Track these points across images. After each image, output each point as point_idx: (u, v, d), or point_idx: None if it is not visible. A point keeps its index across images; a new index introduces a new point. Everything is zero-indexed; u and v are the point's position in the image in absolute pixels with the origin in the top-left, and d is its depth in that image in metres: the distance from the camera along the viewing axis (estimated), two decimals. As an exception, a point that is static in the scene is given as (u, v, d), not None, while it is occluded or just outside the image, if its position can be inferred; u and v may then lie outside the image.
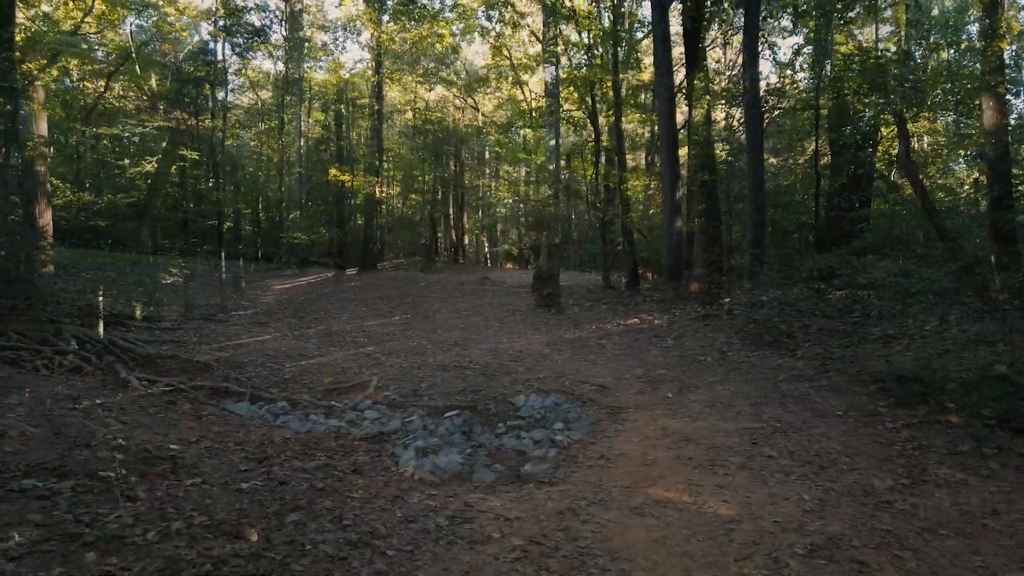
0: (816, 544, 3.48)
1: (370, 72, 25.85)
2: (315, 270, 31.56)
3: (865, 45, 16.39)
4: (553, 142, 22.71)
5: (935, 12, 20.65)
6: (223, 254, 22.32)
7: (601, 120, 19.57)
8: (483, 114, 27.42)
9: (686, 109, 14.90)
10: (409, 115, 31.50)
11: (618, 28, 21.19)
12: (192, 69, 24.06)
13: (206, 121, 22.23)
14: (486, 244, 29.85)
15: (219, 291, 21.22)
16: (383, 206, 37.61)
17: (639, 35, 21.29)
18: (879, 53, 11.76)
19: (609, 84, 18.47)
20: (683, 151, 16.87)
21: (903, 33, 16.73)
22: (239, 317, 15.32)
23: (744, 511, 3.82)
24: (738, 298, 9.75)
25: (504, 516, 3.74)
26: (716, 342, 7.88)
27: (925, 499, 3.88)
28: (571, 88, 19.26)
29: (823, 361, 6.63)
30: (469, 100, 26.12)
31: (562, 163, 26.53)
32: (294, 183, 41.75)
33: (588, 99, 19.40)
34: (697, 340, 8.07)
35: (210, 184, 25.61)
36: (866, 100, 12.46)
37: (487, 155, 28.79)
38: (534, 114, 22.84)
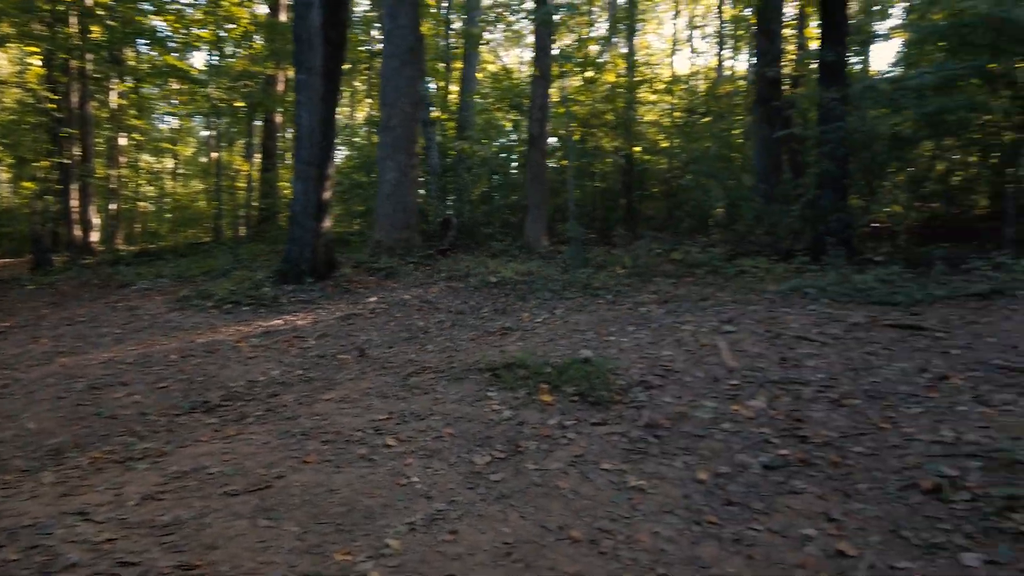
0: (417, 521, 3.73)
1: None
2: None
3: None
4: (204, 132, 21.10)
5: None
6: None
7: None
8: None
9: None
10: (17, 91, 26.49)
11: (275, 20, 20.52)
12: None
13: None
14: (121, 242, 26.41)
15: None
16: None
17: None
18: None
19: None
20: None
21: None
22: None
23: (356, 499, 3.94)
24: (384, 297, 10.07)
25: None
26: (358, 341, 8.04)
27: (512, 469, 4.41)
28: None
29: (450, 354, 7.17)
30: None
31: (214, 155, 24.76)
32: None
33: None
34: (339, 339, 8.14)
35: None
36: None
37: (123, 141, 25.49)
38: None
